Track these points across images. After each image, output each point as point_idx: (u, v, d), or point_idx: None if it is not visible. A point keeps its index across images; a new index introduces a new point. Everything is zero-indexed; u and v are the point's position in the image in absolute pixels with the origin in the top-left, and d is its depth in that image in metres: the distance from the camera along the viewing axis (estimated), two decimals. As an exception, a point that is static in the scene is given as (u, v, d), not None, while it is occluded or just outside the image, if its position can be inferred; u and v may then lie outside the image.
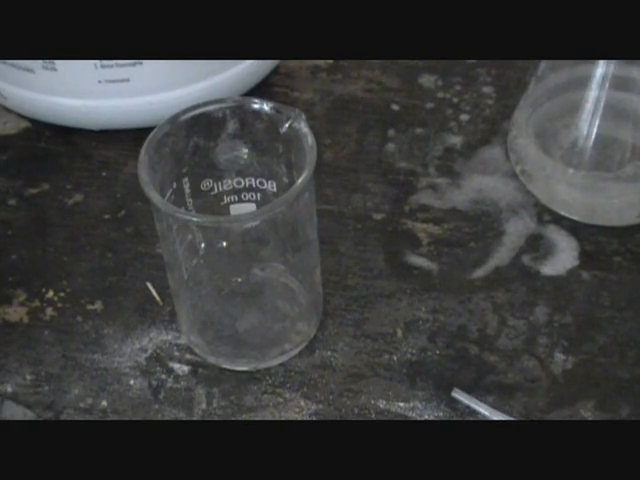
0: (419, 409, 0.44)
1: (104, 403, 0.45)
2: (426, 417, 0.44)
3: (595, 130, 0.51)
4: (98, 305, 0.49)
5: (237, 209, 0.46)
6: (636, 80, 0.51)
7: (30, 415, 0.45)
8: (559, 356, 0.46)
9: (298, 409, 0.45)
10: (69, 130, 0.57)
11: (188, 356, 0.47)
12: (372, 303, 0.48)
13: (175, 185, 0.44)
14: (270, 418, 0.44)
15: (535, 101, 0.53)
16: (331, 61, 0.61)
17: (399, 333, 0.47)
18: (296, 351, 0.47)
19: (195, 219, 0.43)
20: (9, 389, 0.46)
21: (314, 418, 0.44)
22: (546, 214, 0.52)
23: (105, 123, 0.56)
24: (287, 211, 0.42)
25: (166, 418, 0.45)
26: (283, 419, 0.44)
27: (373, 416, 0.44)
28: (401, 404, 0.45)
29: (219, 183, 0.45)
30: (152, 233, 0.49)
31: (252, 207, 0.46)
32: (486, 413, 0.44)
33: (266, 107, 0.44)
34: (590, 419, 0.44)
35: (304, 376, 0.46)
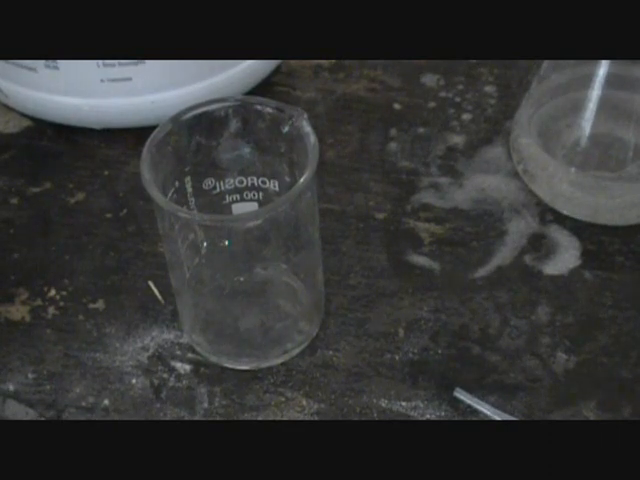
0: (421, 409, 0.44)
1: (106, 402, 0.45)
2: (428, 417, 0.44)
3: (597, 130, 0.51)
4: (100, 304, 0.49)
5: (239, 208, 0.46)
6: (638, 79, 0.51)
7: (32, 414, 0.45)
8: (561, 356, 0.46)
9: (300, 408, 0.45)
10: (71, 129, 0.57)
11: (190, 355, 0.47)
12: (374, 302, 0.48)
13: (177, 184, 0.44)
14: (272, 417, 0.44)
15: (537, 100, 0.52)
16: (333, 60, 0.61)
17: (401, 332, 0.47)
18: (298, 350, 0.47)
19: (197, 218, 0.43)
20: (11, 388, 0.46)
21: (316, 417, 0.44)
22: (548, 214, 0.52)
23: (107, 122, 0.56)
24: (289, 210, 0.42)
25: (168, 417, 0.45)
26: (285, 418, 0.44)
27: (375, 415, 0.44)
28: (403, 403, 0.45)
29: (221, 182, 0.45)
30: (154, 232, 0.49)
31: (254, 206, 0.46)
32: (488, 413, 0.44)
33: (268, 106, 0.44)
34: (592, 419, 0.44)
35: (306, 375, 0.46)
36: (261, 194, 0.45)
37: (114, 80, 0.54)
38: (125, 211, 0.53)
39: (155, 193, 0.41)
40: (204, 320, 0.47)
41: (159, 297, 0.49)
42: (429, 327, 0.47)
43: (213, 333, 0.47)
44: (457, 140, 0.56)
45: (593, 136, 0.51)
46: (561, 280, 0.49)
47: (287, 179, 0.44)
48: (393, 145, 0.56)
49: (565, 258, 0.50)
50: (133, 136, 0.56)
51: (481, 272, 0.50)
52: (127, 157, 0.56)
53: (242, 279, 0.48)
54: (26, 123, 0.58)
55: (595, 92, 0.50)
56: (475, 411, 0.44)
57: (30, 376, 0.46)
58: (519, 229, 0.51)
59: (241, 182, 0.45)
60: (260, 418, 0.44)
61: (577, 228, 0.51)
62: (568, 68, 0.51)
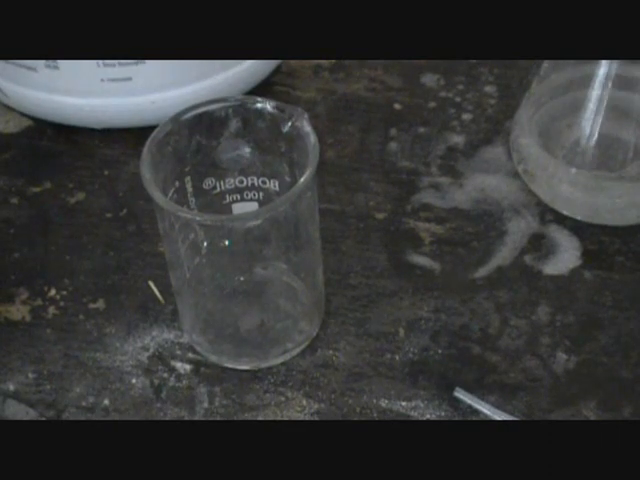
0: (421, 408, 0.44)
1: (106, 402, 0.45)
2: (428, 416, 0.44)
3: (598, 130, 0.51)
4: (100, 304, 0.49)
5: (239, 208, 0.46)
6: (639, 79, 0.51)
7: (32, 413, 0.45)
8: (561, 356, 0.46)
9: (300, 408, 0.45)
10: (71, 129, 0.57)
11: (190, 355, 0.47)
12: (374, 302, 0.48)
13: (177, 184, 0.44)
14: (272, 417, 0.44)
15: (538, 100, 0.52)
16: (333, 60, 0.61)
17: (401, 332, 0.47)
18: (298, 350, 0.47)
19: (197, 218, 0.43)
20: (11, 387, 0.46)
21: (316, 417, 0.44)
22: (548, 214, 0.52)
23: (107, 122, 0.56)
24: (289, 210, 0.42)
25: (168, 417, 0.45)
26: (285, 418, 0.44)
27: (375, 415, 0.44)
28: (403, 403, 0.45)
29: (221, 182, 0.45)
30: (154, 232, 0.49)
31: (254, 206, 0.46)
32: (488, 412, 0.44)
33: (268, 106, 0.44)
34: (592, 419, 0.44)
35: (306, 375, 0.46)
36: (261, 194, 0.45)
37: (114, 80, 0.54)
38: (125, 211, 0.53)
39: (155, 193, 0.41)
40: (204, 320, 0.47)
41: (159, 297, 0.49)
42: (429, 327, 0.47)
43: (213, 333, 0.47)
44: (457, 140, 0.56)
45: (593, 136, 0.51)
46: (561, 280, 0.49)
47: (287, 179, 0.44)
48: (393, 145, 0.56)
49: (565, 258, 0.50)
50: (133, 136, 0.56)
51: (481, 272, 0.50)
52: (127, 157, 0.56)
53: (242, 279, 0.48)
54: (26, 123, 0.58)
55: (595, 92, 0.50)
56: (475, 411, 0.44)
57: (30, 376, 0.46)
58: (519, 229, 0.51)
59: (241, 182, 0.45)
60: (260, 418, 0.44)
61: (577, 228, 0.51)
62: (568, 68, 0.51)
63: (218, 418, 0.44)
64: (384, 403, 0.45)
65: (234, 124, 0.44)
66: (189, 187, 0.44)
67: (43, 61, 0.53)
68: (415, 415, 0.44)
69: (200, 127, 0.44)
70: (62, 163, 0.56)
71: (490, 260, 0.50)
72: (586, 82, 0.50)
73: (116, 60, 0.52)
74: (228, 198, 0.46)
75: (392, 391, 0.45)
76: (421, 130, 0.57)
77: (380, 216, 0.52)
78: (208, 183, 0.45)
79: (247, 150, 0.45)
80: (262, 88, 0.58)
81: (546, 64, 0.52)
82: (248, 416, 0.44)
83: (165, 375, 0.46)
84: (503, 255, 0.50)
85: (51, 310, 0.49)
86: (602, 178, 0.50)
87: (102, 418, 0.45)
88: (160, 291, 0.49)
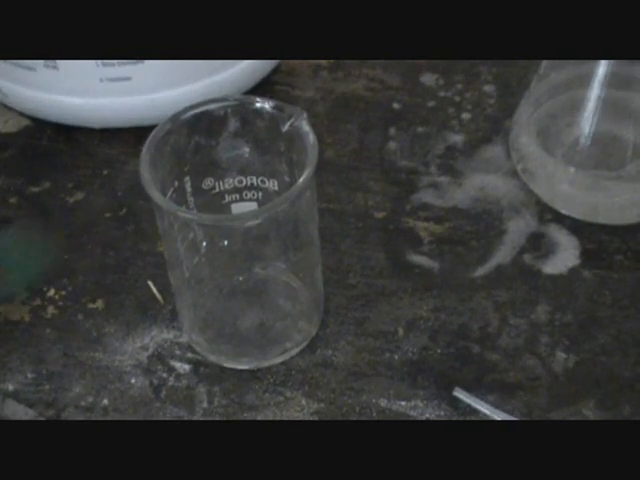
0: (420, 408, 0.44)
1: (105, 401, 0.45)
2: (427, 416, 0.44)
3: (597, 129, 0.51)
4: (99, 303, 0.49)
5: (238, 208, 0.46)
6: (638, 79, 0.51)
7: (31, 413, 0.45)
8: (560, 355, 0.46)
9: (299, 408, 0.45)
10: (70, 128, 0.57)
11: (189, 355, 0.47)
12: (373, 302, 0.48)
13: (176, 183, 0.44)
14: (271, 417, 0.44)
15: (537, 99, 0.53)
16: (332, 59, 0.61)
17: (400, 332, 0.47)
18: (297, 350, 0.47)
19: (196, 218, 0.43)
20: (10, 387, 0.46)
21: (315, 417, 0.44)
22: (547, 213, 0.52)
23: (106, 121, 0.56)
24: (288, 210, 0.42)
25: (167, 416, 0.45)
26: (284, 418, 0.44)
27: (374, 415, 0.44)
28: (402, 403, 0.45)
29: (220, 182, 0.45)
30: (153, 231, 0.49)
31: (253, 206, 0.46)
32: (487, 412, 0.44)
33: (267, 105, 0.44)
34: (591, 418, 0.44)
35: (305, 375, 0.46)
36: (260, 193, 0.45)
37: (113, 79, 0.54)
38: (124, 210, 0.53)
39: (154, 193, 0.41)
40: (203, 319, 0.47)
41: (158, 297, 0.49)
42: (428, 326, 0.47)
43: (212, 332, 0.47)
44: (456, 139, 0.56)
45: (592, 135, 0.51)
46: (560, 279, 0.49)
47: (286, 178, 0.44)
48: (392, 144, 0.56)
49: (564, 257, 0.50)
50: (132, 135, 0.56)
51: (480, 271, 0.50)
52: (126, 156, 0.56)
53: (241, 278, 0.48)
54: (25, 122, 0.58)
55: (594, 91, 0.50)
56: (474, 410, 0.44)
57: (29, 376, 0.46)
58: (518, 228, 0.51)
59: (240, 182, 0.45)
60: (259, 418, 0.44)
61: (576, 227, 0.51)
62: (567, 67, 0.51)
63: (217, 418, 0.44)
64: (383, 402, 0.45)
65: (233, 124, 0.44)
66: (188, 187, 0.44)
67: (42, 61, 0.53)
68: (414, 415, 0.44)
69: (199, 127, 0.44)
70: (61, 163, 0.56)
71: (489, 259, 0.50)
72: (585, 81, 0.50)
73: (115, 60, 0.52)
74: (227, 198, 0.46)
75: (391, 390, 0.45)
76: (420, 129, 0.57)
77: (379, 215, 0.52)
78: (207, 183, 0.45)
79: (246, 150, 0.45)
80: (261, 87, 0.58)
81: (545, 63, 0.52)
82: (247, 416, 0.44)
83: (164, 375, 0.46)
84: (502, 254, 0.50)
85: (50, 310, 0.49)
86: (601, 177, 0.50)
87: (101, 418, 0.45)
88: (159, 291, 0.49)
